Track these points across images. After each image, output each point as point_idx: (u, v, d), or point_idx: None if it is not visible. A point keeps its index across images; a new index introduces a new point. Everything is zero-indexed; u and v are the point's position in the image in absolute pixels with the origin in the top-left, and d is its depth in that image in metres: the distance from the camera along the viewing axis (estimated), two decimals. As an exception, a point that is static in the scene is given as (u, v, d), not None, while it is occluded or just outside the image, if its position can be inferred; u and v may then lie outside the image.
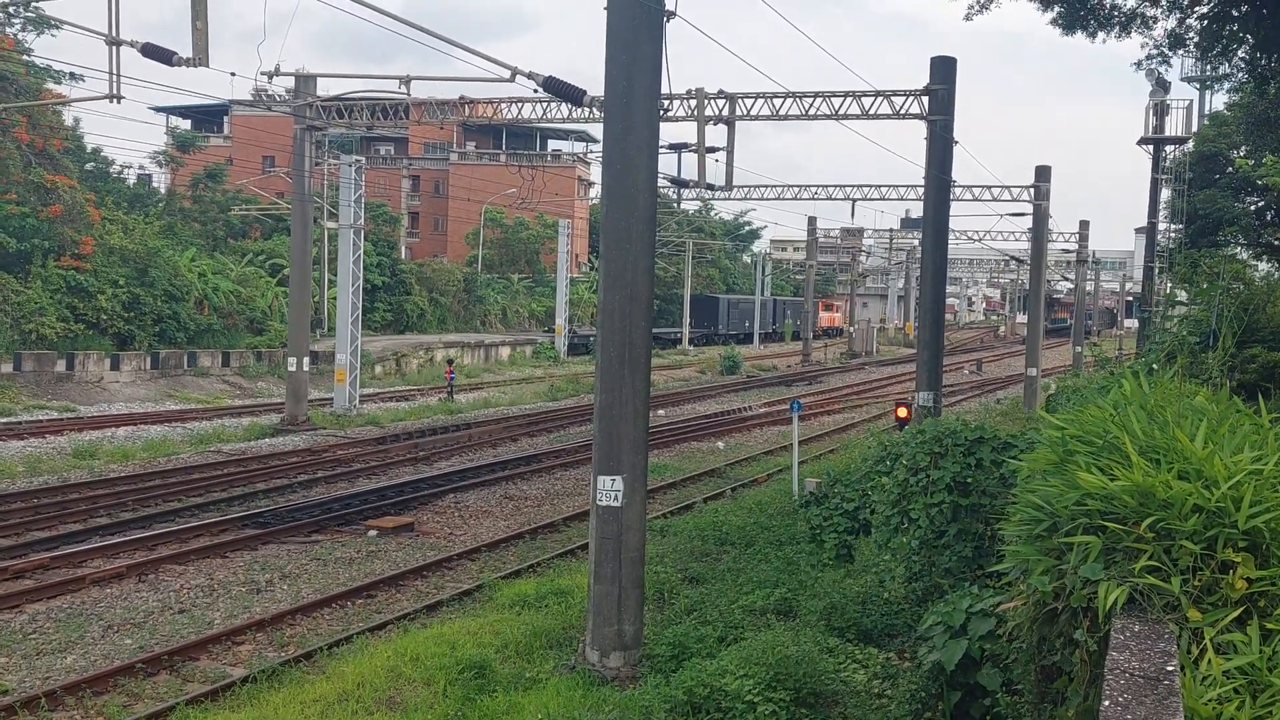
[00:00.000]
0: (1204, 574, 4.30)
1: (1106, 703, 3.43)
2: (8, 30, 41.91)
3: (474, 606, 15.19)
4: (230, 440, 29.17)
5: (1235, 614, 4.17)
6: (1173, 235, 35.53)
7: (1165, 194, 35.04)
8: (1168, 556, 4.36)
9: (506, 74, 16.76)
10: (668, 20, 12.32)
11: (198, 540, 18.51)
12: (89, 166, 52.27)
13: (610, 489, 12.07)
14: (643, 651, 12.06)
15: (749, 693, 9.72)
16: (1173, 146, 33.48)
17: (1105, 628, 4.31)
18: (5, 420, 29.46)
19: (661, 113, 23.53)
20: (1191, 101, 34.34)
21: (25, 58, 40.26)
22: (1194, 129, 34.42)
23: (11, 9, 39.51)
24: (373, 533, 19.57)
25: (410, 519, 20.56)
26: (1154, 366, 9.50)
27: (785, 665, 10.18)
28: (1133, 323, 71.85)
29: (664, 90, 12.65)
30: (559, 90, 16.13)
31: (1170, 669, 3.71)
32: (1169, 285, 25.54)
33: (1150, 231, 34.03)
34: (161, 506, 21.02)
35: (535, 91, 17.43)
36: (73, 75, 41.01)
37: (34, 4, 24.69)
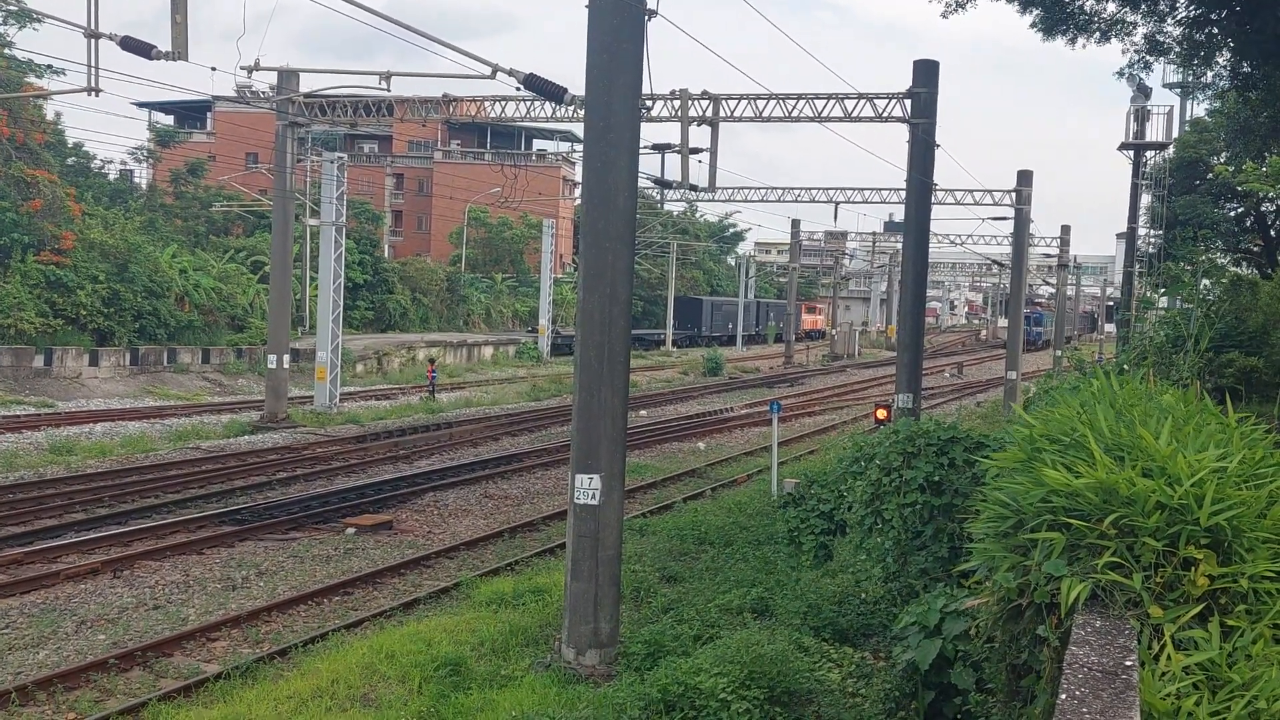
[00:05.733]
0: (1166, 571, 4.32)
1: (1063, 696, 3.45)
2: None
3: (451, 605, 15.17)
4: (209, 437, 29.04)
5: (1196, 610, 4.19)
6: (1153, 241, 35.72)
7: (1146, 199, 35.21)
8: (1130, 553, 4.38)
9: (487, 71, 16.74)
10: (649, 19, 12.34)
11: (174, 537, 18.43)
12: (70, 161, 52.12)
13: (588, 487, 12.08)
14: (618, 650, 12.06)
15: (723, 691, 9.73)
16: (1153, 152, 33.63)
17: (1068, 624, 4.33)
18: (-18, 415, 29.29)
19: (644, 113, 23.56)
20: (1172, 108, 34.53)
21: (6, 51, 40.10)
22: (1174, 135, 34.60)
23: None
24: (351, 530, 19.52)
25: (389, 517, 20.51)
26: (1125, 367, 9.55)
27: (760, 664, 10.18)
28: (1113, 328, 72.18)
29: (646, 90, 12.66)
30: (539, 88, 16.13)
31: (1129, 664, 3.73)
32: (1147, 289, 25.68)
33: (1130, 236, 34.21)
34: (138, 503, 20.92)
35: (517, 89, 17.43)
36: (53, 69, 40.85)
37: (15, -3, 24.68)
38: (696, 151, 27.02)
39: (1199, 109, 36.29)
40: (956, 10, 18.46)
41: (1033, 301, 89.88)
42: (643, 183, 25.01)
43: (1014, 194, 42.45)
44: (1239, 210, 33.32)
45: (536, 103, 28.49)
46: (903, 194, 28.29)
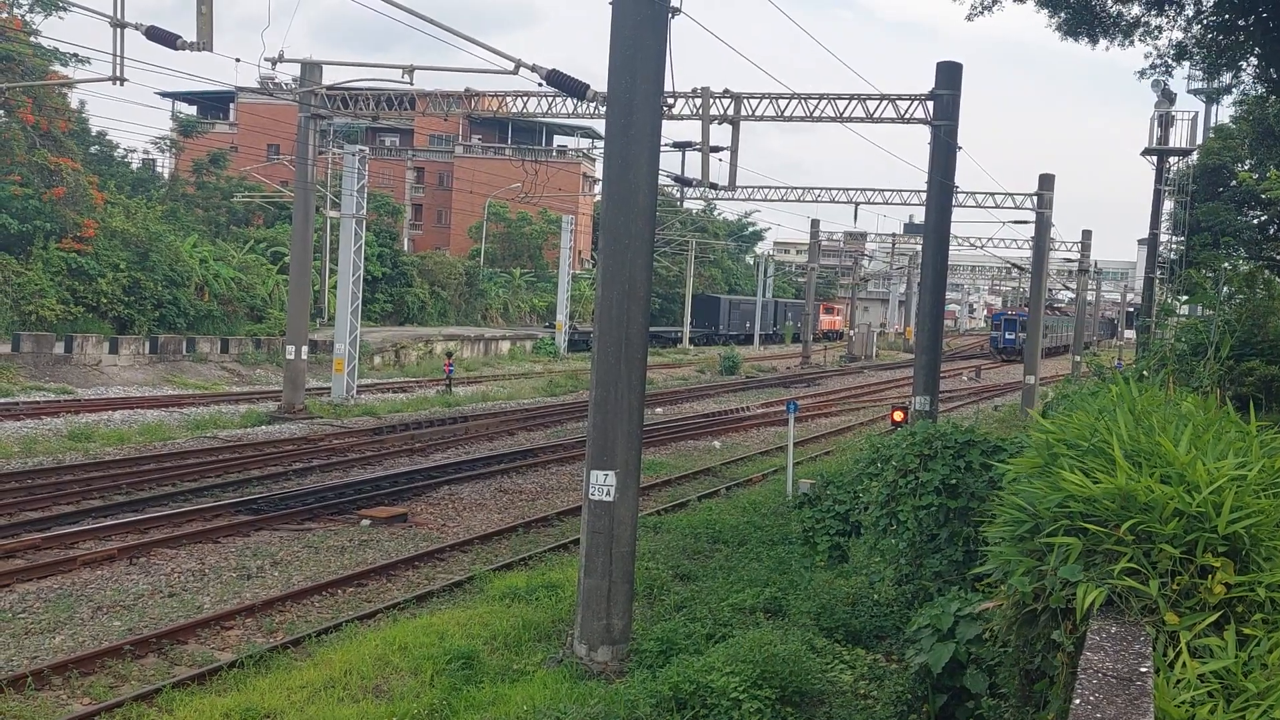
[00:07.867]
0: (1183, 578, 4.30)
1: (1077, 701, 3.44)
2: (15, 11, 41.96)
3: (464, 598, 15.19)
4: (226, 426, 29.17)
5: (1212, 618, 4.18)
6: (1175, 247, 35.55)
7: (1168, 206, 35.04)
8: (1147, 559, 4.36)
9: (510, 66, 16.76)
10: (672, 17, 12.32)
11: (190, 525, 18.51)
12: (93, 150, 52.34)
13: (603, 484, 12.08)
14: (630, 646, 12.06)
15: (734, 690, 9.74)
16: (1177, 158, 33.48)
17: (1083, 629, 4.32)
18: (2, 401, 29.45)
19: (665, 110, 23.55)
20: (1197, 114, 34.46)
21: (32, 39, 40.31)
22: (1198, 141, 34.43)
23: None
24: (366, 522, 19.58)
25: (404, 509, 20.57)
26: (1144, 373, 9.50)
27: (772, 664, 10.19)
28: (1133, 334, 71.82)
29: (668, 88, 12.66)
30: (562, 84, 16.14)
31: (1144, 670, 3.72)
32: (1169, 296, 25.56)
33: (1152, 242, 34.05)
34: (155, 490, 21.02)
35: (539, 85, 17.46)
36: (78, 57, 41.03)
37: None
38: (717, 150, 27.00)
39: (1224, 115, 36.11)
40: (983, 13, 18.39)
41: (1052, 306, 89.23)
42: (663, 180, 24.94)
43: (1035, 198, 42.28)
44: (1262, 218, 33.13)
45: (558, 99, 28.53)
46: (923, 195, 28.22)
